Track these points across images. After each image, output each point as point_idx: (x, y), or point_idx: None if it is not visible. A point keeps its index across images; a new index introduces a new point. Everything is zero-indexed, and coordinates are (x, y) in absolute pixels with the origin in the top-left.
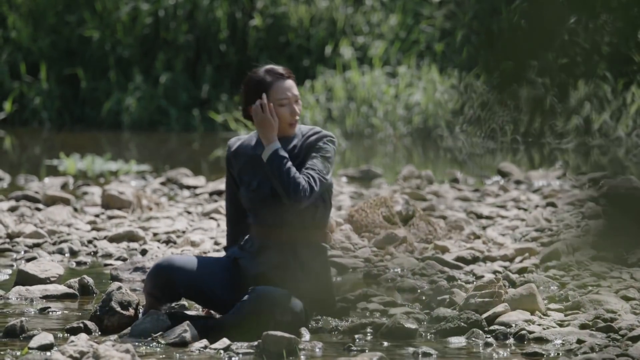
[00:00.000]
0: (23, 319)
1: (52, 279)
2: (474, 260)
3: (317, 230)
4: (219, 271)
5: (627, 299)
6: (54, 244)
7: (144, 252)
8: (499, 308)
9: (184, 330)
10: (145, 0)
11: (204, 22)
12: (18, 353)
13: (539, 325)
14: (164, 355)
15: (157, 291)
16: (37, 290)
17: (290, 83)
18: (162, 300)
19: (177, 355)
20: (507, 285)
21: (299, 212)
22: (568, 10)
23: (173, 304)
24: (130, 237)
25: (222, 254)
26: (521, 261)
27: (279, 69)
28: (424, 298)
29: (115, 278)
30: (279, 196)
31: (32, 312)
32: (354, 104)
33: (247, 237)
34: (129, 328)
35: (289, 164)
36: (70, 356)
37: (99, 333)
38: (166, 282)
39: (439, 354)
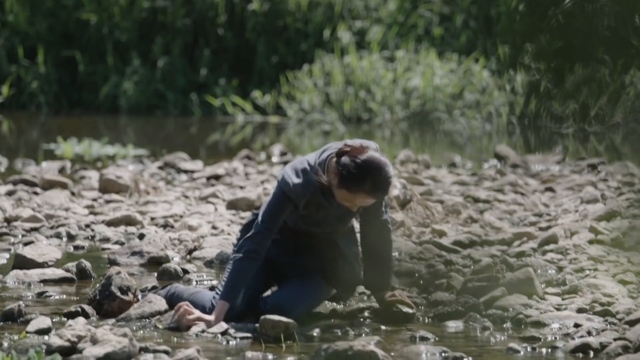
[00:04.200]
0: (21, 303)
1: (49, 263)
2: (472, 244)
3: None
4: (254, 280)
5: (624, 282)
6: (51, 228)
7: (141, 236)
8: (497, 292)
9: None
10: None
11: (202, 6)
12: (16, 337)
13: (537, 309)
14: (161, 340)
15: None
16: (34, 274)
17: (369, 201)
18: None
19: (175, 339)
20: (504, 269)
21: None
22: None
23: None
24: (128, 221)
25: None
26: (519, 245)
27: (384, 188)
28: (421, 282)
29: (112, 262)
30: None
31: (30, 296)
32: (352, 89)
33: (279, 237)
34: (127, 312)
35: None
36: (68, 340)
37: (97, 317)
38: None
39: (436, 337)
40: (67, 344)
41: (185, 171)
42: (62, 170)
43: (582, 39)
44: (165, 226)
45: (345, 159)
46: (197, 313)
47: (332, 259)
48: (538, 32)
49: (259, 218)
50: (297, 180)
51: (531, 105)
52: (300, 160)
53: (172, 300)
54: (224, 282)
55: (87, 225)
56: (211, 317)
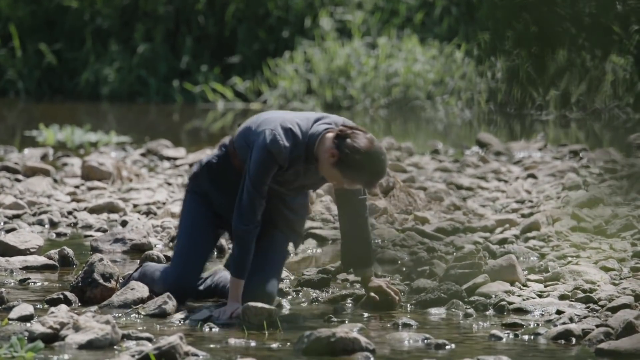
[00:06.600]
0: (3, 290)
1: (32, 250)
2: (454, 231)
3: None
4: (208, 241)
5: (606, 269)
6: (33, 215)
7: (124, 224)
8: (479, 279)
9: (164, 301)
10: None
11: None
12: None
13: (519, 296)
14: (144, 326)
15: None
16: (17, 261)
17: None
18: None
19: (158, 326)
20: (487, 256)
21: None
22: None
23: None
24: (111, 208)
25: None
26: (501, 232)
27: (377, 183)
28: (404, 269)
29: (95, 249)
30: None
31: (12, 283)
32: (333, 75)
33: (225, 183)
34: (110, 299)
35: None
36: (51, 327)
37: (79, 304)
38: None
39: (419, 324)
40: (49, 331)
41: (168, 158)
42: (44, 157)
43: (563, 25)
44: (147, 213)
45: (348, 144)
46: (228, 311)
47: (277, 210)
48: (519, 17)
49: (249, 182)
50: (287, 143)
51: (513, 92)
52: (289, 119)
53: (144, 280)
54: (233, 258)
55: (70, 212)
56: (233, 304)
